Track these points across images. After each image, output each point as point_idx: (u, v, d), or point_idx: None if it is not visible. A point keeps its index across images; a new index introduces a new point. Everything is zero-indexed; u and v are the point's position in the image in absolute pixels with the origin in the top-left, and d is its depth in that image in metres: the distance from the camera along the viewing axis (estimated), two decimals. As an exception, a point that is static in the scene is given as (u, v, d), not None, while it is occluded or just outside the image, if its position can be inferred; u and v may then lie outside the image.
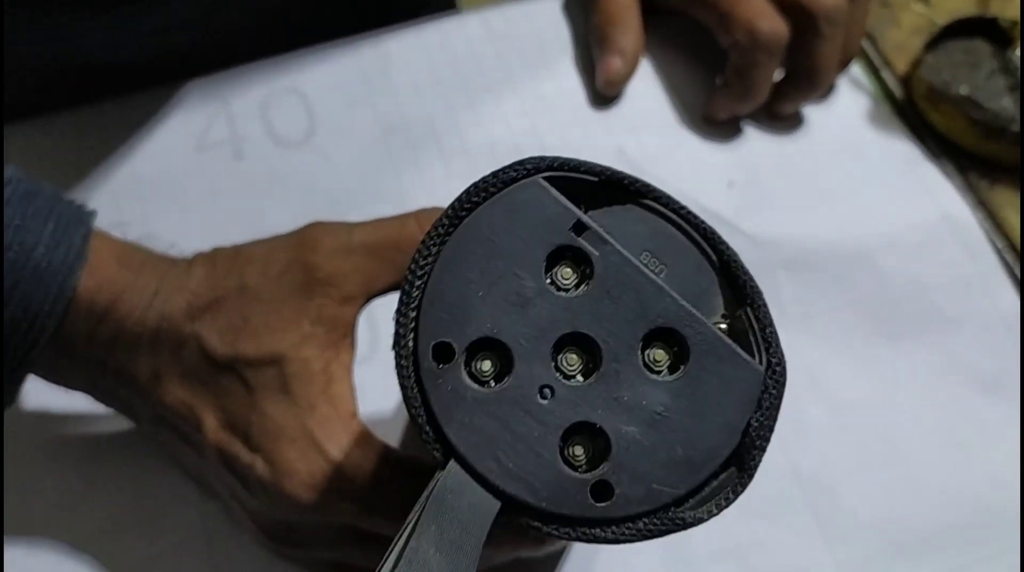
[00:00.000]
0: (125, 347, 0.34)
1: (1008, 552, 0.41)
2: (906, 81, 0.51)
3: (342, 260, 0.34)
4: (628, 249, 0.24)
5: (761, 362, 0.23)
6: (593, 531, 0.23)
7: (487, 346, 0.23)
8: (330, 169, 0.48)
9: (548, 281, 0.23)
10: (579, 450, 0.23)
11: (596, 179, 0.24)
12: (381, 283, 0.34)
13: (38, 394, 0.40)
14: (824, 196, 0.48)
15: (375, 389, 0.36)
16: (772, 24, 0.46)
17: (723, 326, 0.24)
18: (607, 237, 0.24)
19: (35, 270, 0.32)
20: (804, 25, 0.46)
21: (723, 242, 0.24)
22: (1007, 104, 0.47)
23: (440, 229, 0.24)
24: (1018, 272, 0.46)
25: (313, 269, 0.33)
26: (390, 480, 0.32)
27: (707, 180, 0.48)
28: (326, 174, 0.48)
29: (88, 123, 0.49)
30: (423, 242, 0.23)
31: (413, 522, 0.22)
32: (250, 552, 0.39)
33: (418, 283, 0.23)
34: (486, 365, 0.23)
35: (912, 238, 0.47)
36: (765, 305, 0.24)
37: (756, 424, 0.23)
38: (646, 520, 0.23)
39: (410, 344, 0.23)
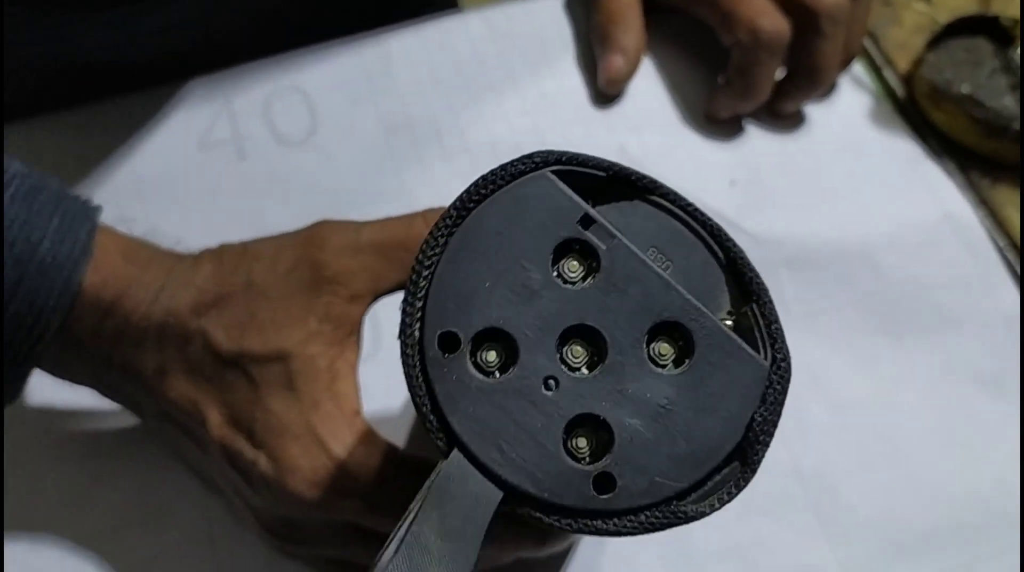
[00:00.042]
0: (130, 342, 0.34)
1: (1009, 551, 0.41)
2: (908, 80, 0.51)
3: (350, 258, 0.34)
4: (635, 244, 0.24)
5: (766, 358, 0.23)
6: (595, 523, 0.23)
7: (493, 337, 0.23)
8: (332, 168, 0.48)
9: (555, 274, 0.24)
10: (582, 442, 0.23)
11: (604, 174, 0.24)
12: (388, 282, 0.34)
13: (42, 390, 0.41)
14: (826, 195, 0.48)
15: (377, 388, 0.36)
16: (774, 23, 0.46)
17: (729, 323, 0.24)
18: (614, 231, 0.24)
19: (40, 265, 0.32)
20: (806, 24, 0.46)
21: (730, 239, 0.24)
22: (1008, 103, 0.47)
23: (448, 220, 0.24)
24: (1019, 270, 0.46)
25: (321, 267, 0.33)
26: (394, 478, 0.32)
27: (709, 179, 0.48)
28: (328, 173, 0.48)
29: (90, 122, 0.49)
30: (431, 233, 0.24)
31: (416, 510, 0.22)
32: (253, 549, 0.39)
33: (425, 273, 0.23)
34: (491, 356, 0.23)
35: (914, 237, 0.47)
36: (771, 302, 0.24)
37: (760, 419, 0.23)
38: (648, 513, 0.23)
39: (416, 333, 0.23)
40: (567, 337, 0.23)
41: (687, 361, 0.23)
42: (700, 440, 0.23)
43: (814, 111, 0.51)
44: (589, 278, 0.24)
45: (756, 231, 0.47)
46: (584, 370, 0.23)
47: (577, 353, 0.23)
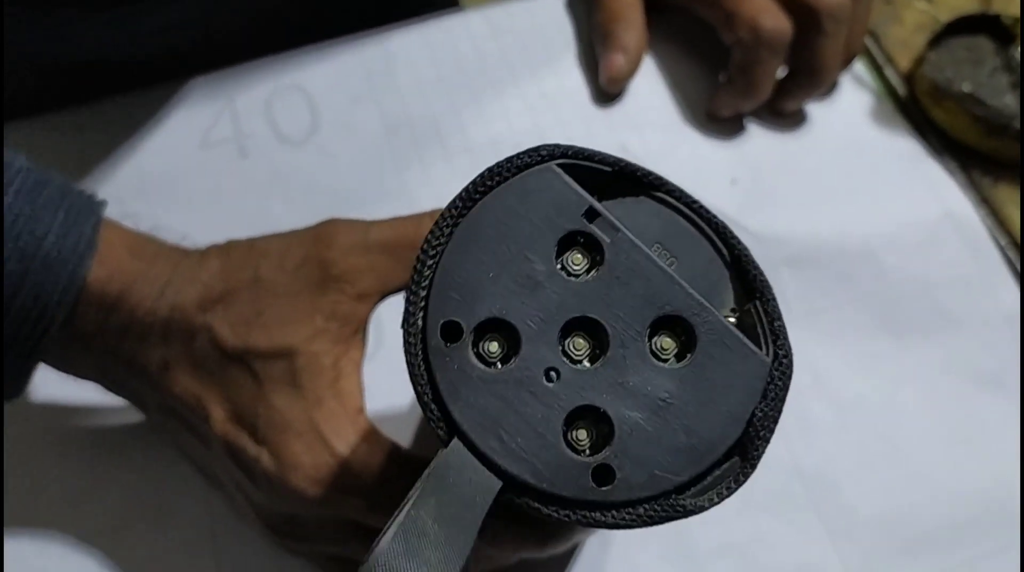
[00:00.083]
0: (136, 337, 0.34)
1: (1010, 548, 0.41)
2: (909, 78, 0.52)
3: (358, 257, 0.34)
4: (640, 240, 0.24)
5: (768, 354, 0.23)
6: (593, 514, 0.23)
7: (495, 327, 0.23)
8: (334, 166, 0.48)
9: (558, 266, 0.24)
10: (582, 433, 0.23)
11: (609, 170, 0.25)
12: (395, 281, 0.34)
13: (46, 385, 0.41)
14: (827, 193, 0.48)
15: (379, 387, 0.36)
16: (775, 21, 0.46)
17: (732, 320, 0.24)
18: (619, 225, 0.24)
19: (45, 259, 0.32)
20: (807, 22, 0.46)
21: (734, 237, 0.25)
22: (1009, 101, 0.48)
23: (454, 211, 0.24)
24: (1020, 269, 0.46)
25: (328, 265, 0.34)
26: (396, 477, 0.32)
27: (710, 177, 0.49)
28: (330, 171, 0.48)
29: (91, 121, 0.49)
30: (436, 223, 0.24)
31: (415, 496, 0.22)
32: (255, 546, 0.39)
33: (430, 263, 0.23)
34: (493, 346, 0.23)
35: (915, 235, 0.47)
36: (774, 299, 0.24)
37: (760, 414, 0.23)
38: (647, 506, 0.23)
39: (419, 322, 0.23)
40: (569, 329, 0.23)
41: (689, 355, 0.23)
42: (700, 434, 0.23)
43: (815, 110, 0.51)
44: (593, 271, 0.24)
45: (757, 230, 0.47)
46: (586, 362, 0.23)
47: (579, 345, 0.23)
